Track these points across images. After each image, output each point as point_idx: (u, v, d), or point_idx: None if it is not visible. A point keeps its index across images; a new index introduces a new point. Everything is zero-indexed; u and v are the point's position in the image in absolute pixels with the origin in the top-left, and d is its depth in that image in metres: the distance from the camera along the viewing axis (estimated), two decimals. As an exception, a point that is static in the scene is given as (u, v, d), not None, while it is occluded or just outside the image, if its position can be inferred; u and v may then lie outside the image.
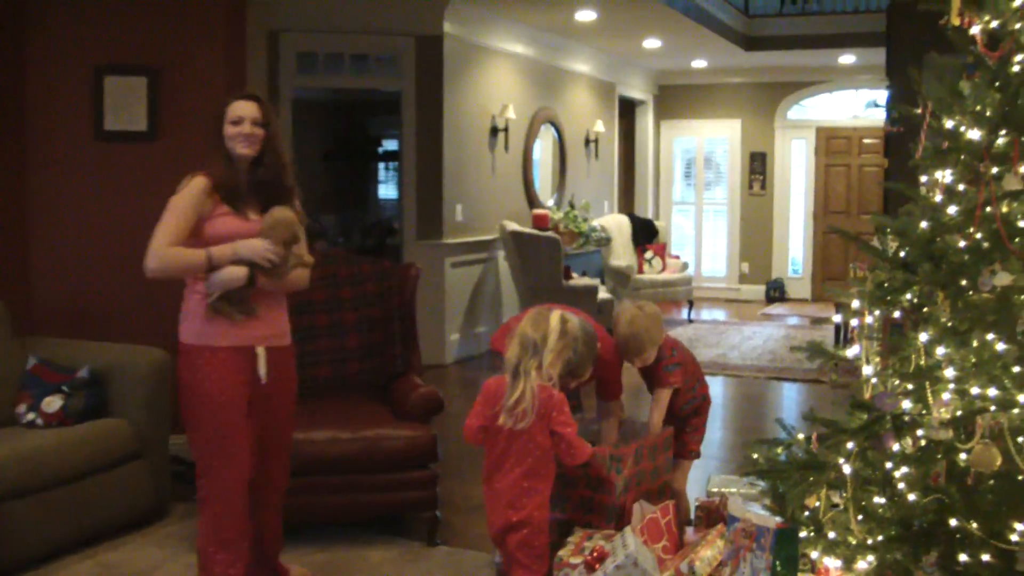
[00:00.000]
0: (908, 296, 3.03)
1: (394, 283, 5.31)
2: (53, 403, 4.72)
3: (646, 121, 14.97)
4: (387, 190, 15.43)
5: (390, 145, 14.74)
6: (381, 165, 15.42)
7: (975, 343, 2.82)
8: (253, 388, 3.81)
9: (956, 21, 2.99)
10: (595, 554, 3.49)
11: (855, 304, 3.21)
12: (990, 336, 2.79)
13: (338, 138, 14.56)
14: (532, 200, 11.14)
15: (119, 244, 5.77)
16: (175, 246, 3.63)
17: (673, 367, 4.45)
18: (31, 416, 4.72)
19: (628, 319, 4.35)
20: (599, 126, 12.84)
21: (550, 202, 11.60)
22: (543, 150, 11.74)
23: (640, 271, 12.13)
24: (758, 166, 14.68)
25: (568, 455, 3.77)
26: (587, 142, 12.71)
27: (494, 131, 10.26)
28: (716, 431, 7.07)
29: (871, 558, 2.90)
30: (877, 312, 3.14)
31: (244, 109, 3.75)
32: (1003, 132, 2.82)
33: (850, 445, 2.96)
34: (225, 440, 3.75)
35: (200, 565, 3.88)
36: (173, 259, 3.63)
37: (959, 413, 2.75)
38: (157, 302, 5.59)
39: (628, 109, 14.62)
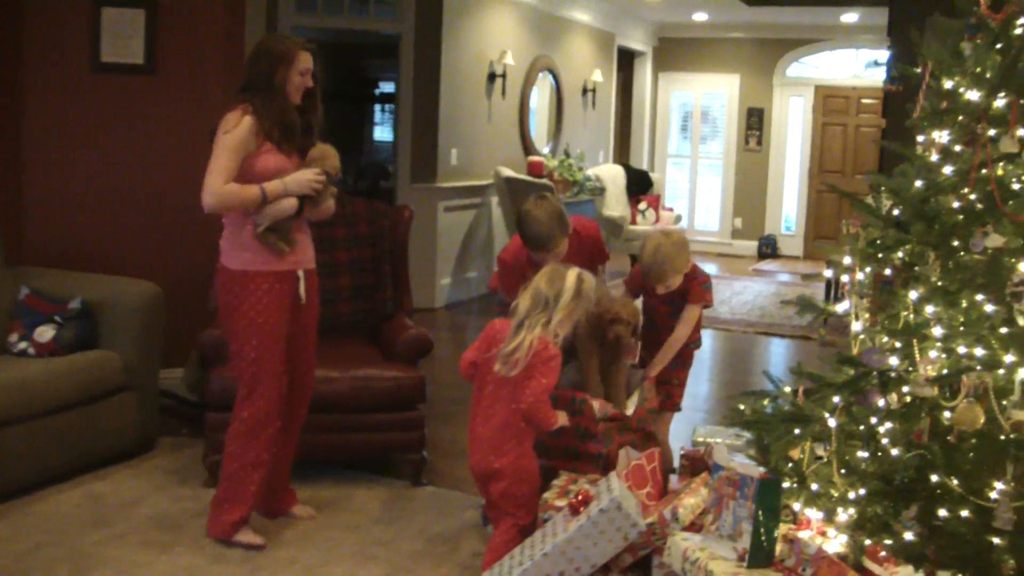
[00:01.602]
0: (900, 254, 3.05)
1: (387, 224, 5.29)
2: (45, 333, 4.74)
3: (644, 73, 14.89)
4: (382, 132, 15.34)
5: (387, 87, 14.65)
6: (377, 107, 15.33)
7: (964, 303, 2.84)
8: (292, 312, 4.08)
9: (961, -18, 2.99)
10: (580, 497, 3.52)
11: (846, 260, 3.23)
12: (979, 297, 2.81)
13: (335, 79, 14.44)
14: (527, 147, 11.11)
15: (113, 176, 5.75)
16: (229, 183, 3.86)
17: (708, 285, 4.52)
18: (23, 345, 4.74)
19: (653, 247, 4.38)
20: (597, 76, 12.78)
21: (545, 150, 11.57)
22: (540, 98, 11.68)
23: (633, 222, 12.13)
24: (755, 122, 14.65)
25: (529, 408, 3.65)
26: (584, 91, 12.65)
27: (492, 77, 10.20)
28: (703, 384, 7.12)
29: (852, 511, 2.94)
30: (868, 269, 3.16)
31: (310, 62, 4.00)
32: (1002, 94, 2.83)
33: (836, 399, 2.99)
34: (269, 362, 3.99)
35: (224, 487, 4.06)
36: (231, 196, 3.88)
37: (945, 371, 2.78)
38: (150, 236, 5.63)
39: (627, 60, 14.54)
